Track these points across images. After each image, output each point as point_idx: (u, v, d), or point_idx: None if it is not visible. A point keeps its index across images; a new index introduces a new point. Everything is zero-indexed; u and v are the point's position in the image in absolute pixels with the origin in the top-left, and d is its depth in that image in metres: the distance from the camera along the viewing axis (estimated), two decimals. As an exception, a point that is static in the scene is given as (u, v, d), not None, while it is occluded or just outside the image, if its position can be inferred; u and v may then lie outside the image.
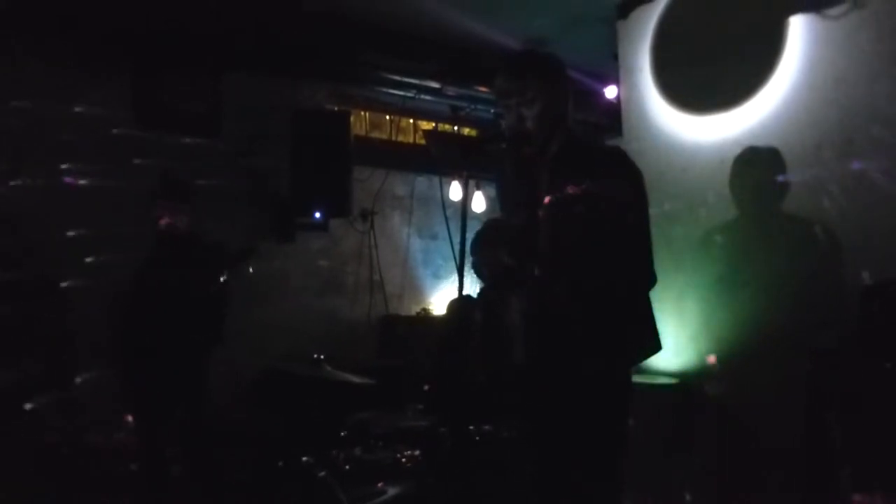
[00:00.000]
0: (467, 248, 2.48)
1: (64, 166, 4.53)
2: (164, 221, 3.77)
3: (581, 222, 2.18)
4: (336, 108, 5.81)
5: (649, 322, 2.33)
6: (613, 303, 2.21)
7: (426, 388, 3.93)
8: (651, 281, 2.28)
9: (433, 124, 6.63)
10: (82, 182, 4.52)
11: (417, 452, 3.31)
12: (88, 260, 4.40)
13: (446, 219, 2.76)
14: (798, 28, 3.52)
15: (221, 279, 3.66)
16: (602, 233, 2.16)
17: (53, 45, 4.53)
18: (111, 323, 3.82)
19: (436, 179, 6.22)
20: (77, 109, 4.64)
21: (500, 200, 2.66)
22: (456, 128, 6.63)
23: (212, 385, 3.94)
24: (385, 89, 5.71)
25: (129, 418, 3.91)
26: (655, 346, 2.35)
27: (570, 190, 2.20)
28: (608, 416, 2.25)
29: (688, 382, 3.84)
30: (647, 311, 2.32)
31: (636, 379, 3.84)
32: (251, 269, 3.79)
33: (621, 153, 2.39)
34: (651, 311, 2.33)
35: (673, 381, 3.88)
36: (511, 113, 2.39)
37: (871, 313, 2.69)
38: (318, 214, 5.45)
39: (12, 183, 4.37)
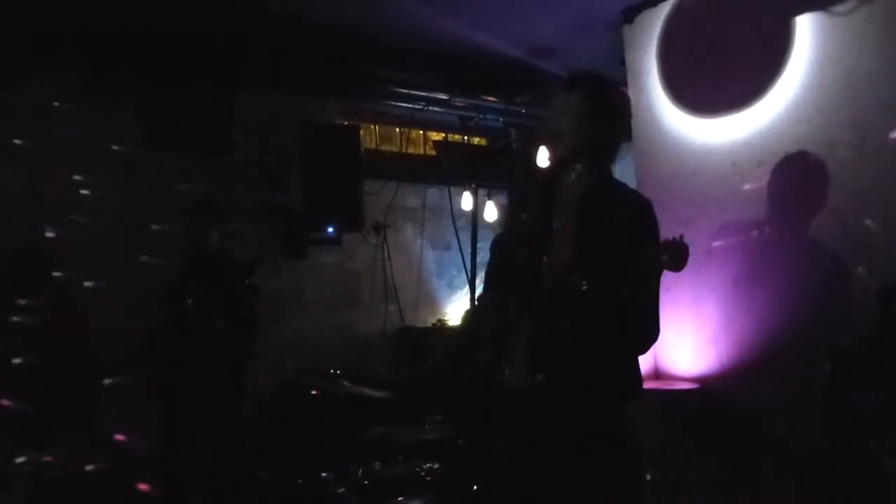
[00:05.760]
0: (479, 258, 2.47)
1: (79, 189, 4.58)
2: (195, 239, 3.93)
3: (601, 280, 2.09)
4: (346, 123, 5.84)
5: (636, 369, 2.33)
6: (616, 355, 2.21)
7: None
8: (656, 338, 2.25)
9: (443, 135, 6.64)
10: (96, 203, 4.55)
11: (437, 465, 3.30)
12: (105, 280, 4.44)
13: (456, 230, 2.77)
14: (805, 26, 3.49)
15: (253, 298, 3.79)
16: (621, 293, 2.08)
17: (65, 69, 4.58)
18: (146, 342, 3.86)
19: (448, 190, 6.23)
20: (90, 133, 4.68)
21: (509, 209, 2.65)
22: (466, 138, 6.64)
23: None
24: (394, 102, 5.74)
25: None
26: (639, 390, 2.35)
27: (595, 247, 2.15)
28: (600, 450, 2.20)
29: (708, 386, 3.80)
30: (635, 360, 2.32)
31: (655, 385, 3.85)
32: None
33: (647, 207, 2.28)
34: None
35: (692, 385, 3.84)
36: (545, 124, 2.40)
37: (889, 313, 2.66)
38: (330, 229, 5.45)
39: (29, 206, 4.43)
